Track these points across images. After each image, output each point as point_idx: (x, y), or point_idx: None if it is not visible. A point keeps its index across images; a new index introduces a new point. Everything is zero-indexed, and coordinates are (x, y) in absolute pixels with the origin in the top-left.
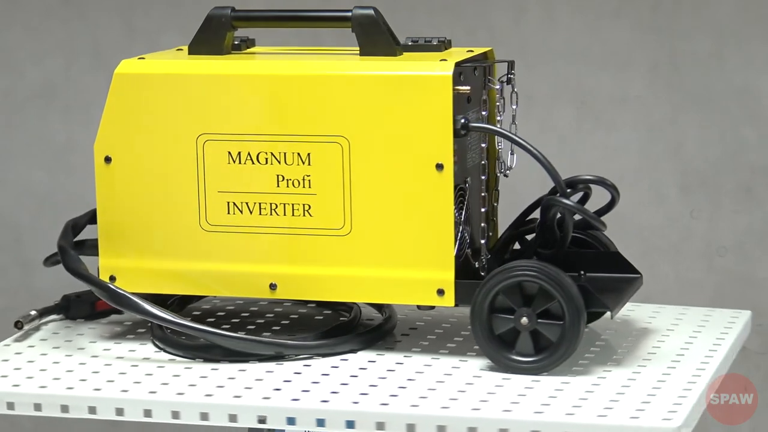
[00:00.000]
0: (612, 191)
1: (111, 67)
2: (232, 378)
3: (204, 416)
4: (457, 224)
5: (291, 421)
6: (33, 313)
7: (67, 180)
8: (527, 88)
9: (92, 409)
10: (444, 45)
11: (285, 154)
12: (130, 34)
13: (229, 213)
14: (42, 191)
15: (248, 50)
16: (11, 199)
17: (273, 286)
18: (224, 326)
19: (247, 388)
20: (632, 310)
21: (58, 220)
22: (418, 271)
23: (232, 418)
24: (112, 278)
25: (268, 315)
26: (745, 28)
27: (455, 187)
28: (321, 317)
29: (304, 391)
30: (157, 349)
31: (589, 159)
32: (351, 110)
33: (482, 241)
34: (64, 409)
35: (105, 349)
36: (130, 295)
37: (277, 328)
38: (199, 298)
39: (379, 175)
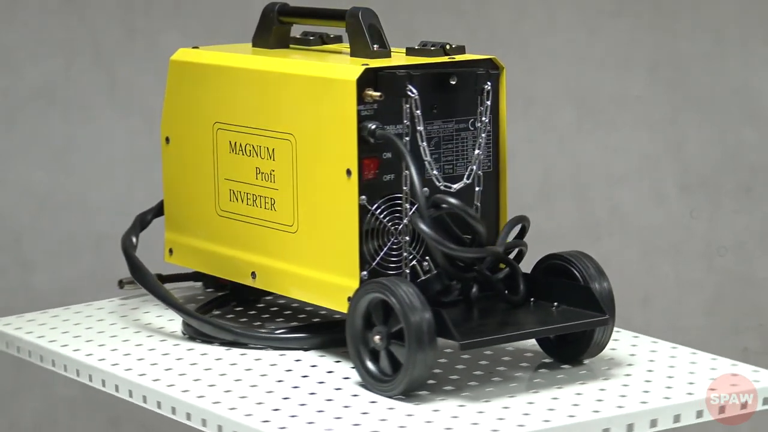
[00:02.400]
0: (524, 222)
1: (111, 67)
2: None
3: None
4: (386, 234)
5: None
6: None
7: (67, 180)
8: (527, 88)
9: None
10: (443, 50)
11: (260, 147)
12: (130, 34)
13: (230, 200)
14: (42, 191)
15: (303, 46)
16: (11, 199)
17: (253, 275)
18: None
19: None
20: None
21: (58, 220)
22: (334, 276)
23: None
24: (171, 251)
25: (294, 305)
26: (745, 28)
27: (387, 197)
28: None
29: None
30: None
31: (589, 159)
32: (293, 109)
33: (404, 254)
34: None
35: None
36: (150, 277)
37: (281, 319)
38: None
39: (312, 176)
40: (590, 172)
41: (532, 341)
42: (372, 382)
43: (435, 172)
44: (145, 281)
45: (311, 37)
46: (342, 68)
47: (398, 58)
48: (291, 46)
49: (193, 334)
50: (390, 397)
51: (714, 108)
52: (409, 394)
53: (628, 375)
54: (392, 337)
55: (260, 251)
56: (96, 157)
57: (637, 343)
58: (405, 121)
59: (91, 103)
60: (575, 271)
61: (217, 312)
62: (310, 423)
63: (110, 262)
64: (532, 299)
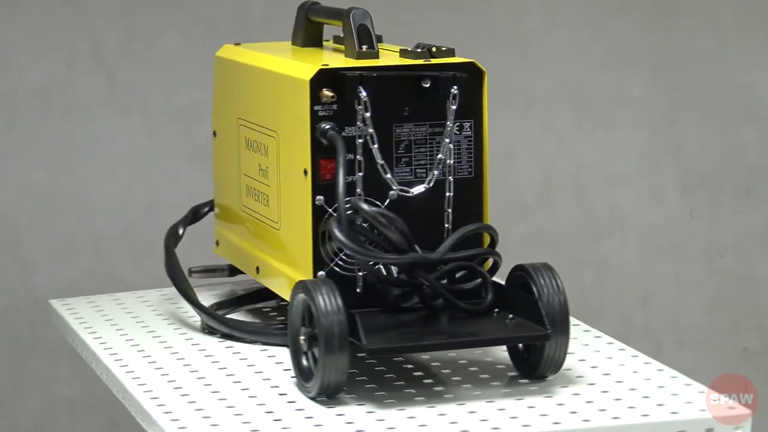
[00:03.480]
0: (492, 232)
1: (111, 67)
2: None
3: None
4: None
5: None
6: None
7: (67, 180)
8: (527, 88)
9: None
10: (429, 52)
11: (260, 143)
12: (130, 34)
13: (246, 195)
14: (42, 191)
15: (337, 45)
16: (11, 199)
17: (257, 270)
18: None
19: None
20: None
21: (58, 220)
22: (297, 274)
23: None
24: (217, 243)
25: None
26: (745, 28)
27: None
28: None
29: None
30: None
31: (589, 159)
32: (274, 105)
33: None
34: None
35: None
36: (177, 270)
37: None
38: None
39: (285, 174)
40: (590, 172)
41: (505, 354)
42: (300, 382)
43: (388, 175)
44: (173, 274)
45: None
46: (303, 67)
47: (387, 59)
48: (325, 44)
49: (209, 331)
50: (310, 398)
51: (714, 108)
52: (330, 396)
53: (576, 394)
54: (313, 339)
55: (260, 247)
56: (96, 157)
57: (615, 356)
58: (358, 123)
59: (91, 103)
60: (532, 284)
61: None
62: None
63: (110, 262)
64: (496, 310)
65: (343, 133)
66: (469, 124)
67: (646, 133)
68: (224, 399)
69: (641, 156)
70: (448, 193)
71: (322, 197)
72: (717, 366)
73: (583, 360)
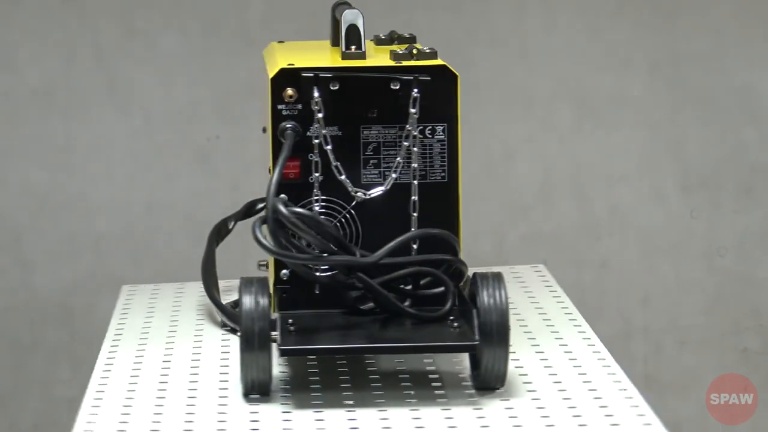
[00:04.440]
0: (454, 242)
1: (111, 67)
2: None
3: None
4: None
5: None
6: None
7: (67, 180)
8: (527, 88)
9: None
10: (410, 54)
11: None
12: (130, 34)
13: None
14: (42, 191)
15: (384, 46)
16: (11, 199)
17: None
18: None
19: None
20: None
21: (58, 220)
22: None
23: None
24: None
25: None
26: (745, 28)
27: (317, 200)
28: None
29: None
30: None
31: (589, 159)
32: (264, 104)
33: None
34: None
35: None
36: (208, 266)
37: None
38: None
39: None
40: (590, 172)
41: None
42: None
43: (343, 177)
44: (204, 267)
45: (389, 36)
46: (275, 66)
47: (375, 60)
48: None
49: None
50: (243, 394)
51: (714, 108)
52: (261, 394)
53: (510, 408)
54: None
55: None
56: (96, 157)
57: (592, 374)
58: (315, 124)
59: (91, 103)
60: (476, 293)
61: None
62: None
63: (110, 262)
64: (451, 317)
65: (308, 133)
66: (442, 128)
67: (646, 133)
68: (164, 390)
69: (641, 156)
70: (413, 197)
71: (285, 196)
72: (717, 366)
73: (554, 374)
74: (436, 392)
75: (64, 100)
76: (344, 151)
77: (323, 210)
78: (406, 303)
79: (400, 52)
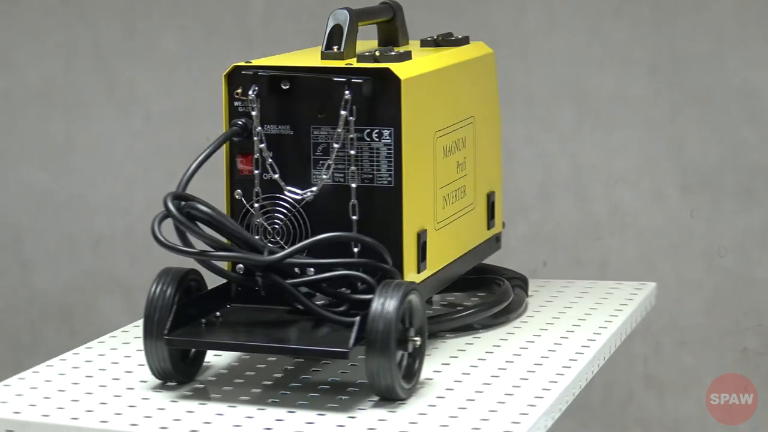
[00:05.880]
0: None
1: (111, 67)
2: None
3: None
4: (264, 232)
5: None
6: None
7: (67, 180)
8: (527, 88)
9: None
10: (381, 55)
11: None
12: (130, 34)
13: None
14: (42, 191)
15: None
16: (11, 199)
17: None
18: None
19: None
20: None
21: (58, 220)
22: None
23: None
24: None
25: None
26: (745, 28)
27: (268, 195)
28: None
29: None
30: None
31: (589, 159)
32: None
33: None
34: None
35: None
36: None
37: None
38: None
39: None
40: (590, 172)
41: None
42: None
43: (276, 176)
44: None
45: (437, 38)
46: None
47: (351, 61)
48: (411, 42)
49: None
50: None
51: (714, 108)
52: (165, 380)
53: (382, 420)
54: None
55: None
56: (96, 157)
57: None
58: (255, 121)
59: (91, 103)
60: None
61: None
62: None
63: (110, 262)
64: (356, 319)
65: (264, 132)
66: (388, 131)
67: (646, 133)
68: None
69: (641, 156)
70: (352, 201)
71: (240, 191)
72: (717, 366)
73: (459, 381)
74: (341, 397)
75: (63, 100)
76: (295, 151)
77: (269, 208)
78: (342, 308)
79: (367, 53)
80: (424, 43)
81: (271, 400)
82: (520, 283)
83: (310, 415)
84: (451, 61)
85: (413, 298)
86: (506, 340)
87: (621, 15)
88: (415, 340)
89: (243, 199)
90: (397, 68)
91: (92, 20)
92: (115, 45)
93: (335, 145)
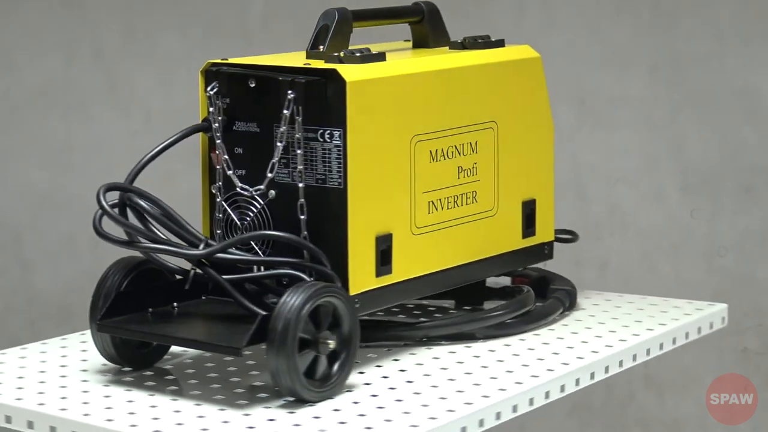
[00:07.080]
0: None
1: (111, 67)
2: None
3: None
4: (233, 227)
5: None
6: None
7: (67, 180)
8: None
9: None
10: (347, 56)
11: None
12: (130, 34)
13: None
14: (42, 191)
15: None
16: (11, 199)
17: None
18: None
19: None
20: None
21: (57, 220)
22: None
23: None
24: None
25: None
26: (745, 28)
27: (234, 191)
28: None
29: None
30: None
31: (589, 159)
32: None
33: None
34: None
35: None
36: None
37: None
38: None
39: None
40: (590, 172)
41: None
42: None
43: (230, 172)
44: None
45: (464, 40)
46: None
47: (315, 62)
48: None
49: None
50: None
51: (714, 108)
52: (117, 364)
53: (298, 425)
54: None
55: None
56: (96, 157)
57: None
58: (218, 118)
59: (91, 103)
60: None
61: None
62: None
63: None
64: (259, 316)
65: (234, 128)
66: (338, 132)
67: (646, 133)
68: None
69: (641, 156)
70: (300, 200)
71: (219, 185)
72: (717, 366)
73: (386, 376)
74: (262, 395)
75: (63, 100)
76: (260, 148)
77: (233, 203)
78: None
79: (335, 54)
80: (453, 46)
81: (218, 397)
82: (562, 294)
83: (211, 409)
84: (455, 64)
85: (332, 300)
86: (494, 351)
87: (621, 15)
88: (328, 343)
89: (219, 193)
90: (346, 70)
91: (92, 20)
92: (115, 45)
93: (278, 144)
